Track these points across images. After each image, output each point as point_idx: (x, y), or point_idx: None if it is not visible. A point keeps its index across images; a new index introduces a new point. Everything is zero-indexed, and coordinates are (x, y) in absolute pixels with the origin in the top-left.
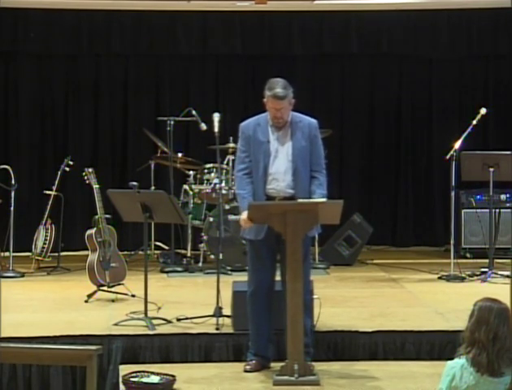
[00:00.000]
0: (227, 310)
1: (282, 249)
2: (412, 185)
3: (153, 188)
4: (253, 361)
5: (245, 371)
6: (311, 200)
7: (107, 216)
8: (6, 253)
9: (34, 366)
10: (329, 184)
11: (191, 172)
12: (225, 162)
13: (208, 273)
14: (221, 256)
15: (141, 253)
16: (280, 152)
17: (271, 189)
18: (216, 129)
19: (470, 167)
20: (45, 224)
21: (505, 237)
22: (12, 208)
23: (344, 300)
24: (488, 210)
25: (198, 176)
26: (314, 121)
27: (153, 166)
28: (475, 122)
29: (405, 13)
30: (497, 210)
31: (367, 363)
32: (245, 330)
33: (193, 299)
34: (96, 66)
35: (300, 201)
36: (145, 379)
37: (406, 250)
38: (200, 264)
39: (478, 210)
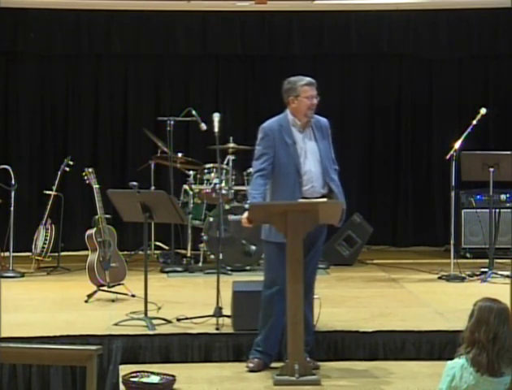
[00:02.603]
0: (227, 310)
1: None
2: (412, 185)
3: (153, 188)
4: (257, 360)
5: (250, 371)
6: (312, 200)
7: (107, 216)
8: (6, 253)
9: (34, 366)
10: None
11: (191, 172)
12: (225, 162)
13: (208, 273)
14: (221, 256)
15: (140, 253)
16: (309, 152)
17: (306, 191)
18: (216, 129)
19: (470, 167)
20: (45, 224)
21: (505, 237)
22: (12, 208)
23: (344, 300)
24: (488, 210)
25: (198, 176)
26: (326, 120)
27: (153, 166)
28: (475, 122)
29: (405, 13)
30: (497, 210)
31: (367, 363)
32: (245, 330)
33: (192, 299)
34: (96, 66)
35: (301, 201)
36: (145, 379)
37: (406, 250)
38: (200, 264)
39: (478, 210)
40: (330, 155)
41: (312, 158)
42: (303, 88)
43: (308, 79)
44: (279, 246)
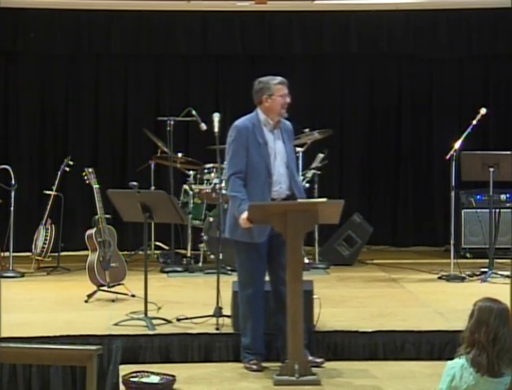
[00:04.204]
0: (227, 310)
1: (275, 249)
2: (412, 185)
3: (153, 188)
4: (255, 361)
5: (255, 370)
6: (312, 200)
7: (107, 216)
8: (6, 253)
9: (34, 366)
10: (329, 184)
11: (191, 172)
12: (225, 162)
13: (208, 273)
14: (221, 256)
15: (140, 253)
16: (277, 153)
17: (274, 192)
18: (216, 129)
19: (470, 167)
20: (45, 224)
21: (505, 237)
22: (12, 208)
23: (344, 300)
24: (488, 210)
25: (198, 176)
26: (290, 123)
27: (153, 166)
28: (475, 122)
29: (405, 13)
30: (497, 210)
31: (367, 363)
32: None
33: (192, 299)
34: (96, 66)
35: (300, 201)
36: (145, 379)
37: (406, 250)
38: (200, 264)
39: (478, 210)
40: (294, 158)
41: (280, 158)
42: (277, 86)
43: (280, 78)
44: (247, 245)
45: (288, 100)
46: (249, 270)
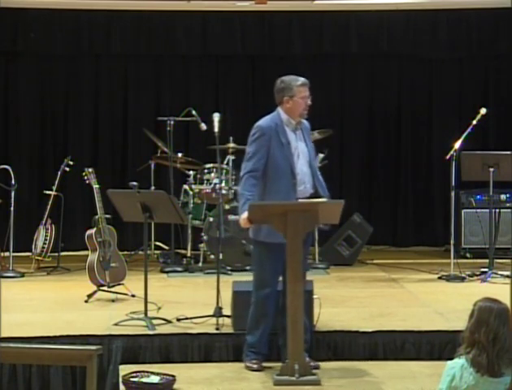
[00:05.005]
0: (227, 310)
1: None
2: (412, 185)
3: (153, 188)
4: (256, 360)
5: (254, 370)
6: (312, 200)
7: (107, 216)
8: (6, 253)
9: (34, 366)
10: (329, 184)
11: (191, 172)
12: (225, 162)
13: (208, 273)
14: (221, 256)
15: (140, 253)
16: (300, 153)
17: (299, 191)
18: (216, 129)
19: (470, 167)
20: (45, 224)
21: (505, 237)
22: (12, 208)
23: (344, 300)
24: (488, 210)
25: (198, 176)
26: (307, 122)
27: (153, 166)
28: (475, 122)
29: (405, 13)
30: (497, 210)
31: (367, 363)
32: (245, 330)
33: (192, 299)
34: (96, 66)
35: (301, 201)
36: (145, 379)
37: (406, 250)
38: (200, 264)
39: (478, 210)
40: (314, 156)
41: (303, 158)
42: (299, 88)
43: (302, 79)
44: (268, 246)
45: (309, 102)
46: (269, 271)
